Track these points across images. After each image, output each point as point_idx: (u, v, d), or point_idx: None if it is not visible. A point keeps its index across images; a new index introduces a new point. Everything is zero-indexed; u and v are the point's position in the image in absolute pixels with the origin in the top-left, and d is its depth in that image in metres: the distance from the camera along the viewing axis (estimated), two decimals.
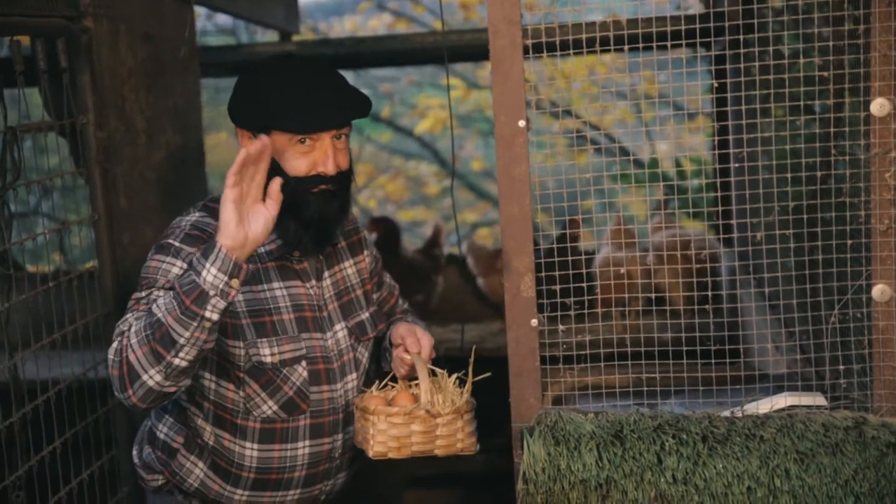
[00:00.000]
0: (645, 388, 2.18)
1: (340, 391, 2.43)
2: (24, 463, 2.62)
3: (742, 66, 2.13)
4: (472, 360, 2.34)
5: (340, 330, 2.45)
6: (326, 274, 2.47)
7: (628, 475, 2.05)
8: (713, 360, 2.20)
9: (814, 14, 2.11)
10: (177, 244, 2.29)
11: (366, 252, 2.61)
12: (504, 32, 2.04)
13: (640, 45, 2.12)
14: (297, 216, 2.26)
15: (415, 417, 2.21)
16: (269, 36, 7.20)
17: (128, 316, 2.20)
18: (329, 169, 2.28)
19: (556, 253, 2.21)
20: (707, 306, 2.31)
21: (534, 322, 2.11)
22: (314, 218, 2.29)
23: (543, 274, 2.14)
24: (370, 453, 2.25)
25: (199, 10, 6.66)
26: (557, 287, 2.15)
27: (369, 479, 2.98)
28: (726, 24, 2.13)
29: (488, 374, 2.33)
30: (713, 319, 2.23)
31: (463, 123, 10.61)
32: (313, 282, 2.43)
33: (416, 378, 2.41)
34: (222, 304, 2.05)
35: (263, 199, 2.08)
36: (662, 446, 2.05)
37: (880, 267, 2.04)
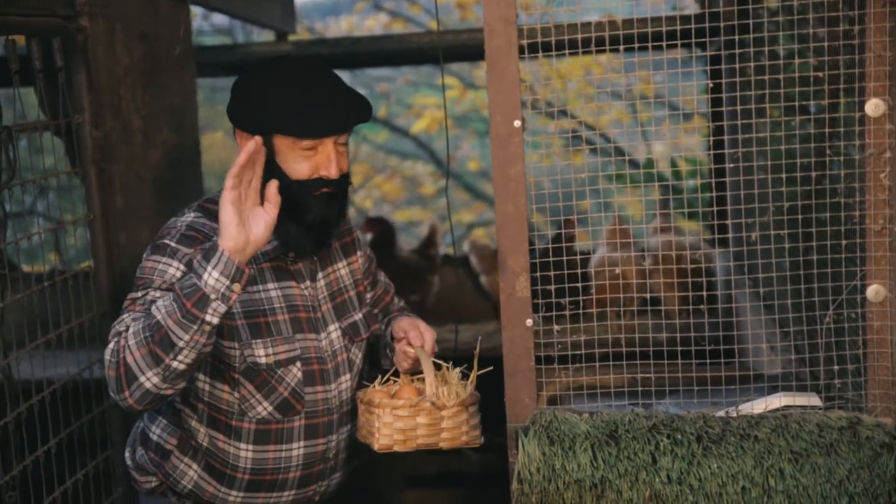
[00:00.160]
0: (640, 389, 2.19)
1: (335, 392, 2.43)
2: (19, 463, 2.61)
3: (737, 66, 2.13)
4: (476, 351, 2.34)
5: (334, 331, 2.45)
6: (320, 275, 2.47)
7: (623, 475, 2.05)
8: (708, 360, 2.20)
9: (809, 14, 2.11)
10: (173, 245, 2.29)
11: (359, 253, 2.61)
12: (500, 32, 2.04)
13: (636, 46, 2.12)
14: (299, 219, 2.26)
15: (420, 410, 2.22)
16: (265, 36, 7.20)
17: (124, 316, 2.20)
18: (332, 173, 2.29)
19: (551, 253, 2.21)
20: (702, 306, 2.31)
21: (529, 322, 2.11)
22: (316, 221, 2.30)
23: (538, 274, 2.14)
24: (375, 446, 2.25)
25: (196, 10, 6.66)
26: (552, 287, 2.15)
27: (367, 479, 2.98)
28: (721, 24, 2.13)
29: (490, 368, 2.33)
30: (708, 320, 2.23)
31: (459, 123, 10.61)
32: (308, 282, 2.43)
33: (419, 373, 2.41)
34: (223, 308, 2.05)
35: (261, 203, 2.09)
36: (657, 446, 2.05)
37: (875, 267, 2.05)
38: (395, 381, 2.43)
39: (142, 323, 2.09)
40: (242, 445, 2.38)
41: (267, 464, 2.39)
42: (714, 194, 2.91)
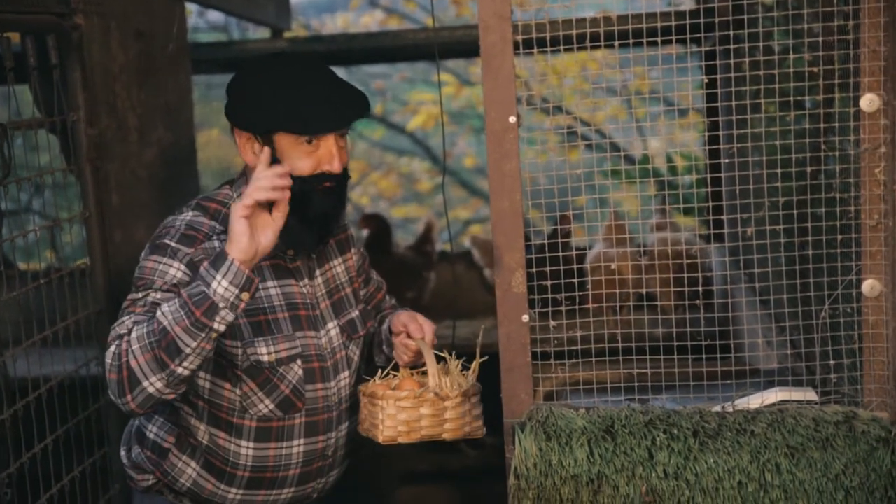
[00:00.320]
0: (636, 384, 2.19)
1: (334, 389, 2.43)
2: (15, 460, 2.61)
3: (732, 61, 2.13)
4: (479, 340, 2.35)
5: (333, 328, 2.46)
6: (318, 272, 2.47)
7: (619, 470, 2.05)
8: (704, 356, 2.21)
9: (803, 10, 2.11)
10: (173, 244, 2.28)
11: (353, 250, 2.61)
12: (495, 28, 2.04)
13: (631, 41, 2.12)
14: (302, 215, 2.25)
15: (424, 401, 2.22)
16: (260, 33, 7.20)
17: (125, 319, 2.19)
18: (335, 167, 2.29)
19: (547, 249, 2.21)
20: (698, 301, 2.32)
21: (525, 318, 2.11)
22: (318, 215, 2.29)
23: (535, 270, 2.14)
24: (380, 438, 2.25)
25: (191, 7, 6.65)
26: (548, 283, 2.15)
27: (363, 475, 2.98)
28: (716, 19, 2.13)
29: (485, 358, 2.33)
30: (704, 315, 2.23)
31: (455, 120, 10.61)
32: (306, 280, 2.43)
33: (418, 366, 2.42)
34: (231, 317, 2.06)
35: (269, 209, 2.10)
36: (654, 441, 2.05)
37: (870, 262, 2.05)
38: (395, 375, 2.43)
39: (145, 327, 2.08)
40: (243, 443, 2.38)
41: (267, 461, 2.39)
42: (709, 189, 2.92)
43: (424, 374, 2.37)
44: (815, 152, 2.21)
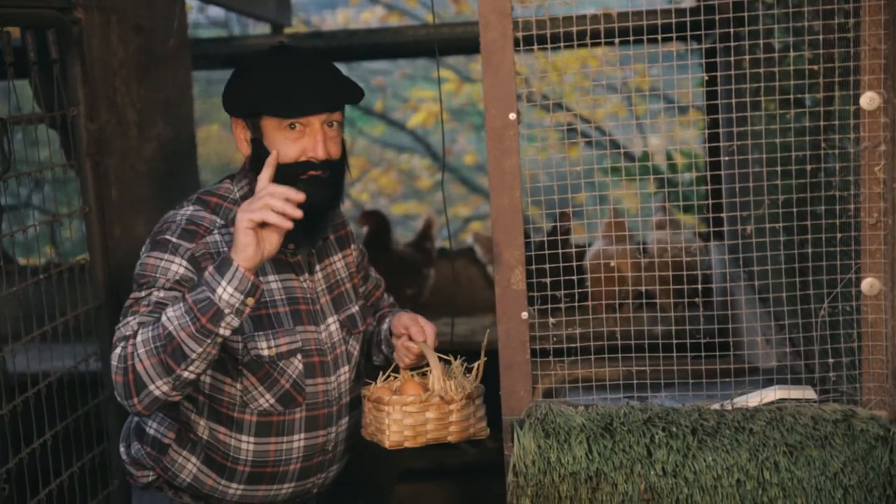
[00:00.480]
0: (635, 382, 2.19)
1: (334, 384, 2.43)
2: (14, 456, 2.61)
3: (732, 59, 2.13)
4: (484, 343, 2.34)
5: (333, 323, 2.46)
6: (318, 267, 2.47)
7: (618, 468, 2.05)
8: (703, 353, 2.21)
9: (804, 7, 2.11)
10: (174, 240, 2.28)
11: (353, 246, 2.61)
12: (495, 24, 2.04)
13: (631, 39, 2.12)
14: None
15: (429, 405, 2.22)
16: (260, 28, 7.20)
17: (129, 320, 2.19)
18: (318, 153, 2.28)
19: (546, 246, 2.21)
20: (697, 300, 2.32)
21: (524, 315, 2.11)
22: (305, 206, 2.27)
23: (534, 267, 2.14)
24: (386, 444, 2.25)
25: (192, 3, 6.64)
26: (548, 280, 2.15)
27: (363, 472, 2.99)
28: (716, 17, 2.13)
29: (485, 359, 2.34)
30: (703, 313, 2.23)
31: (455, 117, 10.61)
32: (306, 275, 2.43)
33: (418, 368, 2.41)
34: (236, 323, 2.07)
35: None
36: (652, 439, 2.05)
37: (869, 260, 2.05)
38: (396, 377, 2.43)
39: (150, 331, 2.08)
40: (244, 438, 2.38)
41: (268, 456, 2.39)
42: (709, 187, 2.92)
43: (425, 375, 2.36)
44: (814, 150, 2.21)
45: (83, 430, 2.96)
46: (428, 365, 2.31)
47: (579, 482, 2.06)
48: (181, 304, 2.07)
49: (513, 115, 2.05)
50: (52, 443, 2.74)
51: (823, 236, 2.12)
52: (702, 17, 2.16)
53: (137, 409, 2.14)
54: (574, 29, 2.08)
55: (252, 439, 2.38)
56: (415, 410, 2.22)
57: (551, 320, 2.15)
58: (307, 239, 2.39)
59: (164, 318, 2.07)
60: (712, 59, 3.76)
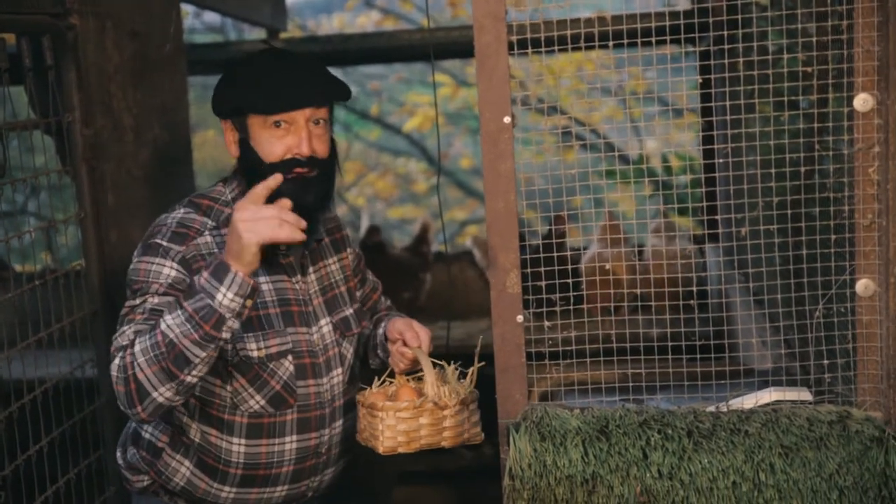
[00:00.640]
0: (631, 384, 2.19)
1: (326, 386, 2.43)
2: (10, 462, 2.61)
3: (726, 61, 2.13)
4: (478, 349, 2.35)
5: (325, 325, 2.46)
6: (311, 269, 2.47)
7: (614, 470, 2.05)
8: (699, 356, 2.21)
9: (798, 10, 2.11)
10: (164, 243, 2.28)
11: (349, 250, 2.61)
12: (489, 28, 2.04)
13: (625, 42, 2.12)
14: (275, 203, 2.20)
15: (423, 411, 2.23)
16: (256, 33, 7.20)
17: (126, 329, 2.19)
18: (303, 150, 2.28)
19: (541, 249, 2.21)
20: (692, 302, 2.31)
21: (519, 318, 2.11)
22: (293, 205, 2.26)
23: (529, 270, 2.14)
24: (380, 449, 2.25)
25: (187, 8, 6.65)
26: (543, 283, 2.15)
27: (359, 476, 2.98)
28: (710, 19, 2.14)
29: (482, 364, 2.34)
30: (699, 315, 2.23)
31: (451, 121, 10.61)
32: (298, 276, 2.44)
33: (413, 372, 2.42)
34: (237, 325, 2.09)
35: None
36: (648, 441, 2.05)
37: (864, 262, 2.05)
38: (392, 382, 2.43)
39: (149, 340, 2.09)
40: (235, 440, 2.38)
41: (259, 458, 2.39)
42: (703, 189, 2.92)
43: (420, 380, 2.37)
44: (809, 152, 2.21)
45: (79, 436, 2.96)
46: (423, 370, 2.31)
47: (575, 485, 2.06)
48: (180, 312, 2.07)
49: (507, 119, 2.06)
50: (49, 449, 2.74)
51: (818, 238, 2.13)
52: (696, 20, 2.16)
53: (141, 417, 2.15)
54: (568, 32, 2.09)
55: (243, 441, 2.38)
56: (408, 416, 2.22)
57: (547, 324, 2.15)
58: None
59: (163, 325, 2.08)
60: (707, 62, 3.77)
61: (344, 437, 2.49)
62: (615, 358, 2.19)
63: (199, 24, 10.12)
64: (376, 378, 2.44)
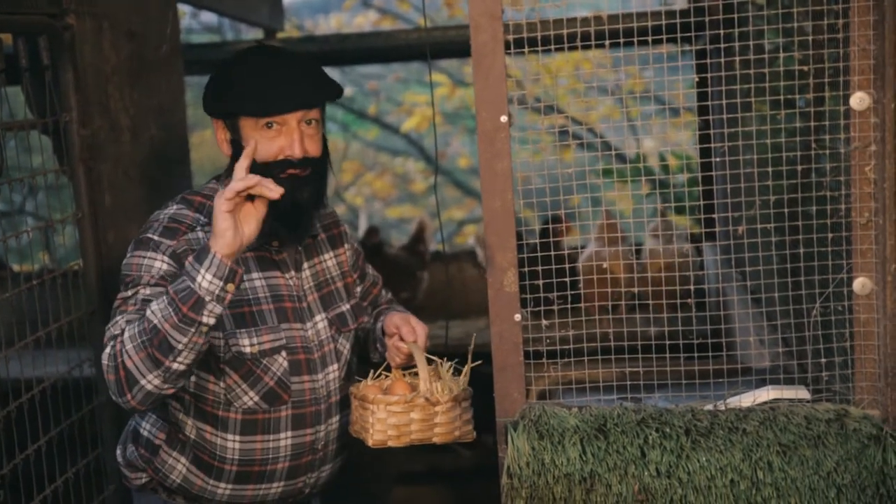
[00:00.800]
0: (629, 383, 2.19)
1: (322, 381, 2.43)
2: (9, 461, 2.61)
3: (723, 60, 2.14)
4: (471, 347, 2.35)
5: (321, 321, 2.46)
6: (306, 265, 2.48)
7: (612, 469, 2.05)
8: (696, 354, 2.21)
9: (794, 9, 2.12)
10: (156, 238, 2.29)
11: (346, 245, 2.61)
12: (485, 27, 2.04)
13: (622, 41, 2.12)
14: (270, 204, 2.17)
15: (414, 405, 2.22)
16: (253, 33, 7.20)
17: (118, 319, 2.20)
18: (295, 152, 2.28)
19: (539, 248, 2.21)
20: (689, 301, 2.32)
21: (517, 317, 2.11)
22: (286, 204, 2.26)
23: (527, 269, 2.14)
24: (370, 442, 2.25)
25: (185, 8, 6.65)
26: (540, 282, 2.15)
27: (357, 475, 2.98)
28: (706, 18, 2.14)
29: (479, 362, 2.34)
30: (696, 313, 2.24)
31: (449, 120, 10.62)
32: (292, 272, 2.44)
33: (410, 367, 2.42)
34: (219, 309, 2.07)
35: (252, 200, 2.10)
36: (646, 440, 2.06)
37: (861, 260, 2.05)
38: (387, 376, 2.43)
39: (137, 326, 2.09)
40: (229, 436, 2.38)
41: (254, 454, 2.40)
42: (700, 188, 2.92)
43: (417, 374, 2.37)
44: (805, 151, 2.22)
45: (77, 435, 2.96)
46: None
47: (573, 483, 2.06)
48: (164, 297, 2.07)
49: (504, 118, 2.06)
50: (47, 448, 2.74)
51: (815, 236, 2.13)
52: (692, 19, 2.17)
53: (132, 405, 2.13)
54: (565, 31, 2.09)
55: (237, 438, 2.38)
56: (399, 410, 2.22)
57: (544, 322, 2.15)
58: (292, 237, 2.39)
59: (148, 311, 2.08)
60: (704, 61, 3.77)
61: (341, 434, 2.50)
62: (613, 356, 2.19)
63: (196, 24, 10.12)
64: (371, 371, 2.44)
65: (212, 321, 2.07)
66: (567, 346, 2.18)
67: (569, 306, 2.18)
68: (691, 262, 4.08)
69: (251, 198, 2.09)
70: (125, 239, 3.17)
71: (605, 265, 3.89)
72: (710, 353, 2.23)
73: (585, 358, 2.20)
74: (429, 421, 2.24)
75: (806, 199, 2.16)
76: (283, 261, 2.43)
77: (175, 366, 2.08)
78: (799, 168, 2.15)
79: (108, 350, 2.14)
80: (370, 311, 2.68)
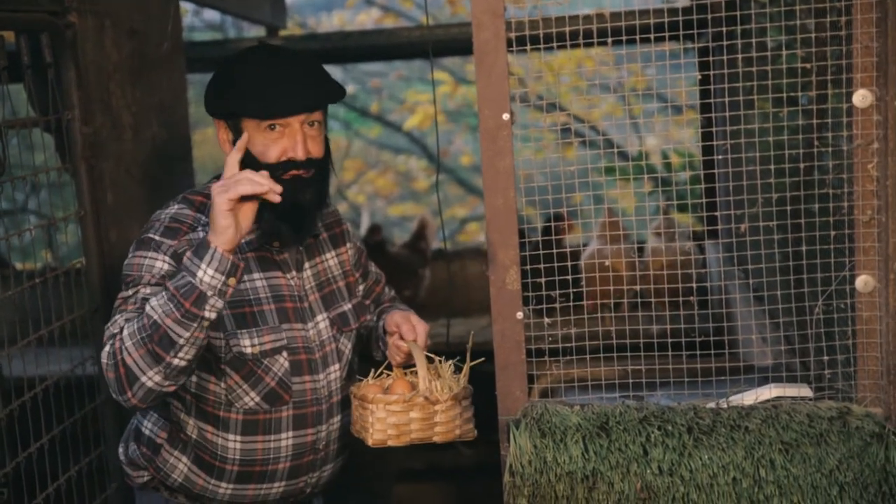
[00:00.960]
0: (631, 381, 2.19)
1: (323, 381, 2.43)
2: (12, 460, 2.61)
3: (725, 58, 2.13)
4: (469, 344, 2.35)
5: (322, 321, 2.46)
6: (307, 265, 2.47)
7: (614, 467, 2.05)
8: (699, 352, 2.21)
9: (797, 6, 2.11)
10: (157, 238, 2.29)
11: (348, 244, 2.61)
12: (487, 25, 2.04)
13: (624, 38, 2.12)
14: (272, 205, 2.18)
15: (414, 404, 2.22)
16: (256, 31, 7.20)
17: (117, 317, 2.20)
18: (298, 153, 2.28)
19: (541, 246, 2.21)
20: (692, 298, 2.32)
21: (519, 315, 2.11)
22: (288, 205, 2.27)
23: (529, 267, 2.14)
24: (369, 441, 2.25)
25: (187, 6, 6.65)
26: (542, 280, 2.15)
27: (359, 473, 2.99)
28: (709, 16, 2.13)
29: (482, 360, 2.34)
30: (699, 311, 2.23)
31: (452, 118, 10.62)
32: (293, 272, 2.44)
33: (412, 366, 2.41)
34: (220, 304, 2.07)
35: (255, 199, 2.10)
36: (648, 438, 2.05)
37: (863, 258, 2.05)
38: (388, 375, 2.43)
39: (136, 323, 2.09)
40: (231, 436, 2.38)
41: (255, 454, 2.40)
42: (702, 186, 2.92)
43: (418, 373, 2.37)
44: (808, 148, 2.22)
45: (80, 433, 2.96)
46: None
47: (576, 481, 2.06)
48: (164, 293, 2.07)
49: (506, 116, 2.05)
50: (50, 446, 2.74)
51: (817, 234, 2.13)
52: (695, 17, 2.16)
53: (133, 403, 2.13)
54: (567, 29, 2.08)
55: (239, 438, 2.38)
56: (399, 409, 2.22)
57: (546, 320, 2.15)
58: (293, 237, 2.39)
59: (148, 308, 2.08)
60: (706, 59, 3.77)
61: (342, 434, 2.50)
62: (615, 354, 2.19)
63: (198, 21, 10.13)
64: (372, 370, 2.44)
65: (213, 316, 2.06)
66: (569, 344, 2.18)
67: (571, 304, 2.18)
68: (693, 260, 4.08)
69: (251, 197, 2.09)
70: (127, 237, 3.17)
71: (607, 263, 3.89)
72: (713, 351, 2.22)
73: (587, 356, 2.20)
74: (429, 420, 2.24)
75: (808, 197, 2.16)
76: (285, 261, 2.43)
77: (176, 361, 2.08)
78: (801, 166, 2.15)
79: (107, 348, 2.14)
80: (373, 309, 2.68)
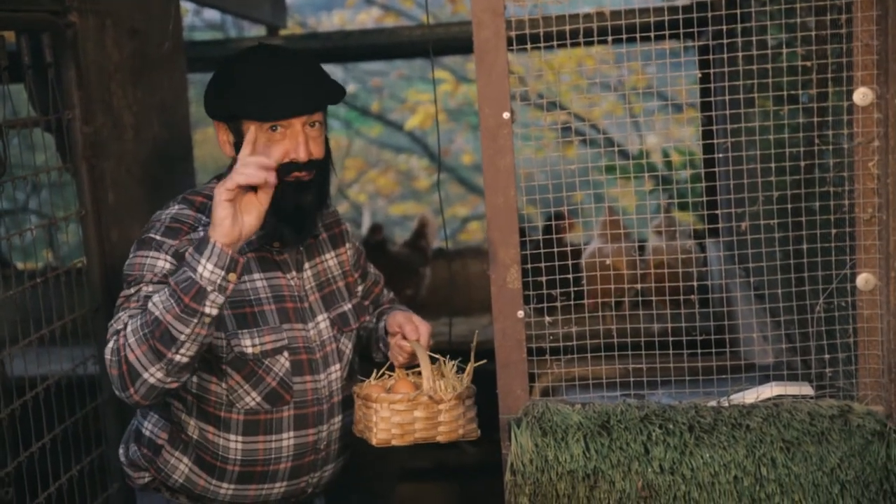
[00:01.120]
0: (632, 379, 2.19)
1: (324, 382, 2.44)
2: (13, 459, 2.61)
3: (726, 56, 2.13)
4: (474, 344, 2.35)
5: (322, 321, 2.46)
6: (307, 265, 2.48)
7: (615, 465, 2.05)
8: (700, 351, 2.21)
9: (797, 4, 2.11)
10: (158, 237, 2.29)
11: (347, 245, 2.61)
12: (488, 24, 2.04)
13: (624, 37, 2.12)
14: (274, 206, 2.18)
15: (417, 404, 2.22)
16: (256, 30, 7.21)
17: (120, 314, 2.20)
18: (300, 155, 2.28)
19: (542, 244, 2.21)
20: (693, 297, 2.32)
21: (520, 313, 2.11)
22: (290, 207, 2.27)
23: (529, 266, 2.14)
24: (373, 441, 2.25)
25: (188, 6, 6.66)
26: (543, 279, 2.15)
27: (360, 473, 2.99)
28: (709, 14, 2.13)
29: (484, 361, 2.34)
30: (700, 310, 2.24)
31: (453, 117, 10.62)
32: (294, 273, 2.44)
33: (414, 366, 2.42)
34: (221, 299, 2.06)
35: (255, 190, 2.09)
36: (649, 436, 2.05)
37: (864, 256, 2.05)
38: (391, 376, 2.43)
39: (139, 320, 2.09)
40: (232, 437, 2.38)
41: (257, 455, 2.40)
42: (703, 184, 2.92)
43: (420, 374, 2.37)
44: (809, 147, 2.21)
45: (82, 433, 2.96)
46: None
47: (577, 480, 2.06)
48: (166, 289, 2.07)
49: (507, 115, 2.05)
50: (51, 446, 2.75)
51: (818, 232, 2.13)
52: (695, 15, 2.16)
53: (135, 400, 2.13)
54: (567, 28, 2.08)
55: (240, 438, 2.38)
56: (403, 409, 2.22)
57: (547, 319, 2.15)
58: (294, 238, 2.39)
59: (150, 304, 2.08)
60: (707, 57, 3.77)
61: (343, 434, 2.50)
62: (616, 353, 2.19)
63: (198, 21, 10.13)
64: (375, 371, 2.44)
65: (214, 311, 2.06)
66: (570, 343, 2.18)
67: (572, 303, 2.18)
68: (694, 259, 4.07)
69: (254, 188, 2.08)
70: (128, 236, 3.18)
71: (608, 262, 3.89)
72: (714, 350, 2.22)
73: (588, 354, 2.20)
74: (433, 419, 2.24)
75: (809, 195, 2.16)
76: (285, 261, 2.43)
77: (177, 358, 2.07)
78: (802, 164, 2.15)
79: (110, 345, 2.14)
80: (372, 310, 2.68)
